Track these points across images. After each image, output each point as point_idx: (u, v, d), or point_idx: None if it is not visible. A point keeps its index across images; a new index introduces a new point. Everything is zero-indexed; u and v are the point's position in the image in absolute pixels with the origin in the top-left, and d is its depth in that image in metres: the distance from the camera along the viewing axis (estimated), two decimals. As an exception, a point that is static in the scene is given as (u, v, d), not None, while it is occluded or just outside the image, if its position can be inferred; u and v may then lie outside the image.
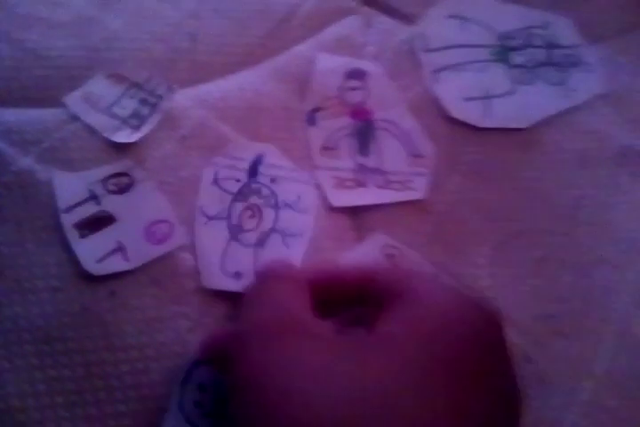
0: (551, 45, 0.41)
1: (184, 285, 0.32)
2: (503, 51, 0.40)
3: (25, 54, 0.36)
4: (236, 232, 0.34)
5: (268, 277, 0.30)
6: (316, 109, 0.37)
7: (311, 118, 0.37)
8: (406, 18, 0.41)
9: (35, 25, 0.37)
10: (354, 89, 0.38)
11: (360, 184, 0.36)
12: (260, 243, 0.34)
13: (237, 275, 0.33)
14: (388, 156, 0.37)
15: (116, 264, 0.32)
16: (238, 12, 0.39)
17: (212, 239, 0.33)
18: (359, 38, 0.40)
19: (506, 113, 0.38)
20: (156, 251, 0.32)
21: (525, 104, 0.39)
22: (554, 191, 0.37)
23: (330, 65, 0.38)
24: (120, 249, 0.32)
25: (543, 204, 0.37)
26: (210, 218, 0.34)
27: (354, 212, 0.36)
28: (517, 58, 0.40)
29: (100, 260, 0.32)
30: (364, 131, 0.37)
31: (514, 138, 0.38)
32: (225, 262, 0.33)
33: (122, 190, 0.33)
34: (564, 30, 0.41)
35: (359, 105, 0.37)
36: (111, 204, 0.33)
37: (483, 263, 0.35)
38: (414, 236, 0.36)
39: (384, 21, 0.41)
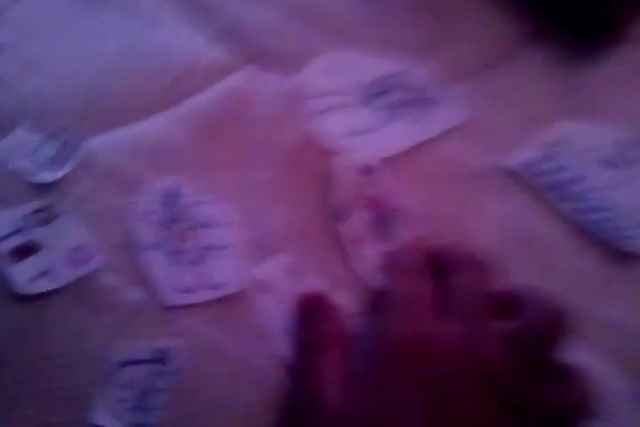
0: (411, 88, 0.48)
1: (104, 300, 0.37)
2: (371, 95, 0.47)
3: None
4: (174, 255, 0.39)
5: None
6: (342, 207, 0.43)
7: (339, 216, 0.42)
8: (289, 69, 0.47)
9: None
10: (367, 183, 0.43)
11: None
12: (196, 260, 0.39)
13: (188, 290, 0.38)
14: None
15: (44, 285, 0.37)
16: (145, 69, 0.45)
17: (157, 266, 0.39)
18: (249, 89, 0.46)
19: (374, 146, 0.45)
20: (78, 272, 0.37)
21: (390, 138, 0.46)
22: (417, 209, 0.44)
23: (343, 165, 0.44)
24: (47, 272, 0.37)
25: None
26: (146, 248, 0.39)
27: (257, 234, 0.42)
28: (383, 100, 0.47)
29: (30, 282, 0.37)
30: (382, 221, 0.43)
31: (385, 166, 0.45)
32: (174, 282, 0.38)
33: (47, 222, 0.38)
34: (422, 74, 0.49)
35: (373, 198, 0.43)
36: (37, 234, 0.38)
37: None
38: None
39: (269, 75, 0.47)
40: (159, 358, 0.36)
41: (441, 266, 0.37)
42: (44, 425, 0.34)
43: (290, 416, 0.35)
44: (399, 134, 0.46)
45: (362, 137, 0.46)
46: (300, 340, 0.37)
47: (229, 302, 0.39)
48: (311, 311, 0.38)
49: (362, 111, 0.47)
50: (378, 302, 0.38)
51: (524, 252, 0.44)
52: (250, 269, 0.40)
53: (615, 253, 0.44)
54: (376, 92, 0.48)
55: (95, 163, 0.41)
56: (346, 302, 0.40)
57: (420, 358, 0.32)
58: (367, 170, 0.44)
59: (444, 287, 0.36)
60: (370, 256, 0.42)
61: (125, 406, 0.35)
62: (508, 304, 0.34)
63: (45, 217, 0.39)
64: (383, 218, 0.43)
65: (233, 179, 0.43)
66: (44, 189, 0.40)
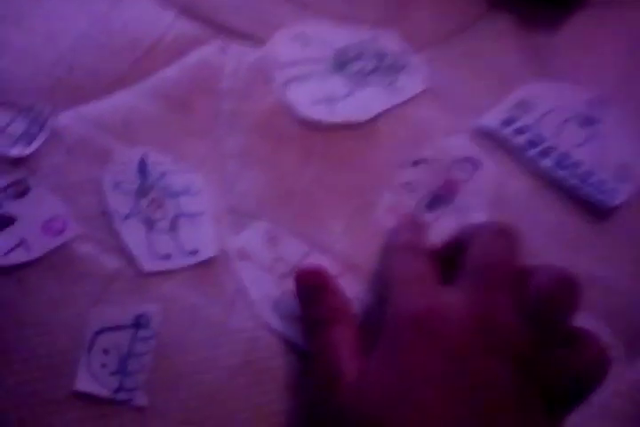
0: (380, 55, 0.49)
1: (82, 268, 0.38)
2: (340, 63, 0.48)
3: None
4: (150, 223, 0.39)
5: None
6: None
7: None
8: (256, 41, 0.48)
9: None
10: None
11: None
12: (173, 227, 0.40)
13: (167, 256, 0.39)
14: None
15: (20, 256, 0.37)
16: (112, 44, 0.45)
17: (133, 234, 0.39)
18: (217, 60, 0.47)
19: (346, 111, 0.46)
20: (54, 242, 0.38)
21: (362, 103, 0.46)
22: (390, 170, 0.45)
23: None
24: (22, 243, 0.37)
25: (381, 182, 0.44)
26: (124, 217, 0.39)
27: (229, 202, 0.42)
28: (353, 67, 0.48)
29: (7, 253, 0.37)
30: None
31: (356, 131, 0.45)
32: (152, 249, 0.39)
33: (20, 195, 0.39)
34: (390, 42, 0.49)
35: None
36: (12, 207, 0.38)
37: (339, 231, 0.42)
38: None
39: (238, 45, 0.48)
40: (138, 323, 0.36)
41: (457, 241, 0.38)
42: (25, 393, 0.34)
43: (311, 392, 0.35)
44: (371, 100, 0.47)
45: (334, 103, 0.46)
46: (310, 317, 0.37)
47: (207, 268, 0.39)
48: (314, 287, 0.38)
49: (333, 78, 0.47)
50: (384, 279, 0.38)
51: (506, 210, 0.45)
52: (227, 236, 0.41)
53: (596, 207, 0.45)
54: (346, 60, 0.48)
55: (66, 136, 0.41)
56: (324, 265, 0.40)
57: (433, 329, 0.32)
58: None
59: (459, 260, 0.36)
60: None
61: (107, 370, 0.35)
62: (521, 273, 0.35)
63: (19, 190, 0.39)
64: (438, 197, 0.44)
65: (205, 148, 0.43)
66: (16, 163, 0.40)
